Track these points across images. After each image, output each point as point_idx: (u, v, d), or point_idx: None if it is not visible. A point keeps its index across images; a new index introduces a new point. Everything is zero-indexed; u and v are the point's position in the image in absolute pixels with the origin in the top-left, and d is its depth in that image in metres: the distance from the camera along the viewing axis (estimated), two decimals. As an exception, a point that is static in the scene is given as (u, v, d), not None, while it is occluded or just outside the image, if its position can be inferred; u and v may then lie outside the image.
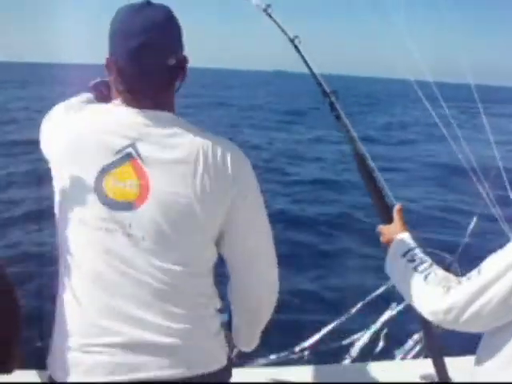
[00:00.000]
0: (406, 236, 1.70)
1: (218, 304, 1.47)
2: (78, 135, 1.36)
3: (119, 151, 1.31)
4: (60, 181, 1.38)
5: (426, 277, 1.52)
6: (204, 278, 1.42)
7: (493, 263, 1.39)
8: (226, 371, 1.48)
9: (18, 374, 1.52)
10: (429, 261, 1.58)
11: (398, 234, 1.72)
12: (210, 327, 1.44)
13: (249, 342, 1.69)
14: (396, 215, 1.79)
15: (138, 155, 1.31)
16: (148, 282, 1.31)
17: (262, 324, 1.62)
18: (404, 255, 1.62)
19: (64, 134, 1.40)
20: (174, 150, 1.32)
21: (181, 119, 1.40)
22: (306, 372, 2.56)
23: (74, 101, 1.59)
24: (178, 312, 1.35)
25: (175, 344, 1.33)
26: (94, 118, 1.40)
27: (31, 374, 2.10)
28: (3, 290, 1.42)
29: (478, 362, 1.47)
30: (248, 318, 1.60)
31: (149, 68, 1.34)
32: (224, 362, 1.46)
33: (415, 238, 1.69)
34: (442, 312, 1.43)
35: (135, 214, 1.30)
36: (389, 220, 1.80)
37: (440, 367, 2.05)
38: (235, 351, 1.70)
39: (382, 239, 1.77)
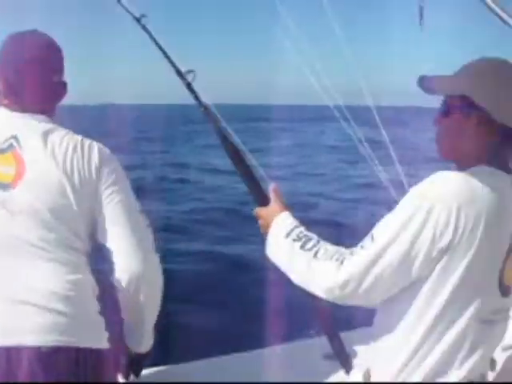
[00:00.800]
0: (286, 215, 1.58)
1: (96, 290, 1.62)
2: None
3: (4, 142, 1.59)
4: None
5: (315, 253, 1.42)
6: (77, 253, 1.59)
7: (384, 228, 1.34)
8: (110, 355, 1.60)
9: None
10: (315, 237, 1.47)
11: (277, 213, 1.59)
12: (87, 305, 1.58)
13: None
14: (272, 195, 1.67)
15: (19, 146, 1.59)
16: (24, 249, 1.53)
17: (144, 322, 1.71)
18: (288, 235, 1.50)
19: None
20: (49, 143, 1.60)
21: (56, 123, 1.68)
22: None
23: None
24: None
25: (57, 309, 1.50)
26: None
27: None
28: None
29: (378, 338, 1.44)
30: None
31: (35, 81, 1.66)
32: (104, 345, 1.58)
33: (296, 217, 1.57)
34: (338, 287, 1.35)
35: (11, 192, 1.55)
36: (266, 202, 1.68)
37: (336, 344, 2.02)
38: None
39: (261, 222, 1.63)
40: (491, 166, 1.37)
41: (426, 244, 1.28)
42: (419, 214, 1.29)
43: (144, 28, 2.02)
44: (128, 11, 2.04)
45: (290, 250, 1.48)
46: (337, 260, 1.37)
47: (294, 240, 1.48)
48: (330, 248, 1.42)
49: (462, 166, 1.40)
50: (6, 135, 1.60)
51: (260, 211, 1.67)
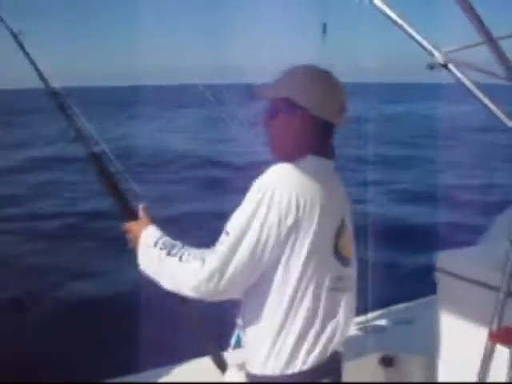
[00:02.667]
0: (152, 228, 1.72)
1: None
2: None
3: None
4: None
5: (180, 257, 1.52)
6: None
7: (235, 221, 1.46)
8: None
9: None
10: (179, 244, 1.59)
11: (145, 226, 1.72)
12: None
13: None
14: (142, 213, 1.81)
15: None
16: None
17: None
18: (155, 245, 1.62)
19: None
20: None
21: None
22: None
23: None
24: None
25: None
26: None
27: None
28: None
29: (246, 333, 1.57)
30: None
31: None
32: None
33: (161, 229, 1.71)
34: (203, 282, 1.44)
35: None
36: (133, 218, 1.83)
37: (210, 345, 2.00)
38: None
39: (131, 236, 1.76)
40: (316, 155, 1.55)
41: (275, 226, 1.42)
42: (263, 202, 1.43)
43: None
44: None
45: (157, 257, 1.59)
46: (200, 259, 1.47)
47: (161, 248, 1.59)
48: (194, 251, 1.53)
49: (292, 159, 1.52)
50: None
51: (130, 226, 1.79)
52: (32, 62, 2.06)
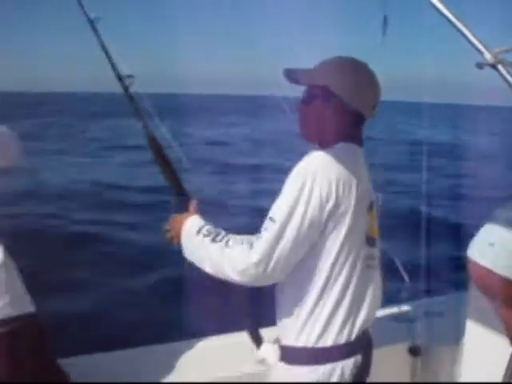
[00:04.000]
0: (195, 217, 1.78)
1: None
2: None
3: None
4: None
5: (226, 243, 1.59)
6: None
7: (279, 207, 1.54)
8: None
9: None
10: (223, 232, 1.65)
11: (187, 218, 1.78)
12: None
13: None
14: (190, 208, 1.87)
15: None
16: None
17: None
18: (198, 232, 1.68)
19: None
20: None
21: None
22: None
23: None
24: None
25: None
26: None
27: None
28: None
29: (282, 313, 1.66)
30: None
31: None
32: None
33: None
34: (252, 266, 1.51)
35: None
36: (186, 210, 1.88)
37: (250, 322, 2.13)
38: None
39: (174, 228, 1.80)
40: (348, 142, 1.64)
41: (317, 210, 1.51)
42: (305, 187, 1.51)
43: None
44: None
45: (202, 244, 1.65)
46: (248, 244, 1.55)
47: (205, 235, 1.66)
48: (239, 237, 1.61)
49: (324, 145, 1.63)
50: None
51: (175, 217, 1.84)
52: (104, 47, 2.10)
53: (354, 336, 1.61)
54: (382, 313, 2.78)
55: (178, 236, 1.77)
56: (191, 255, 1.70)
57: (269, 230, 1.53)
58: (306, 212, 1.50)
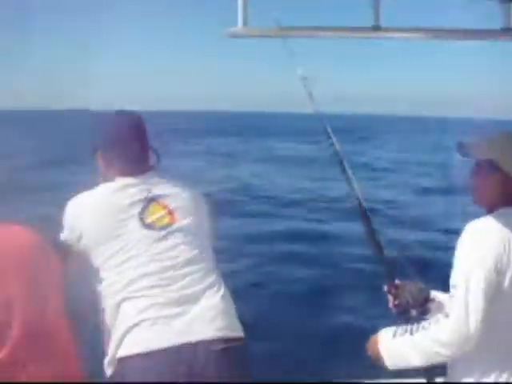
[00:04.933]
0: (382, 331, 1.95)
1: None
2: None
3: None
4: None
5: (423, 327, 1.79)
6: None
7: (459, 274, 1.76)
8: None
9: None
10: (409, 325, 1.86)
11: (378, 337, 1.94)
12: None
13: None
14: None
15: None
16: None
17: None
18: (394, 337, 1.87)
19: None
20: None
21: None
22: None
23: None
24: None
25: None
26: None
27: None
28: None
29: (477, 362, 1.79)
30: None
31: None
32: None
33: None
34: (454, 332, 1.70)
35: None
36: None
37: None
38: None
39: (372, 350, 1.95)
40: (508, 206, 1.84)
41: (492, 269, 1.72)
42: (480, 249, 1.74)
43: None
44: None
45: (404, 342, 1.84)
46: (441, 316, 1.77)
47: (401, 334, 1.85)
48: (428, 319, 1.88)
49: (490, 209, 1.88)
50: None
51: (370, 344, 1.98)
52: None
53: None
54: None
55: (377, 352, 1.92)
56: (401, 361, 1.87)
57: (456, 297, 1.73)
58: (484, 272, 1.70)
